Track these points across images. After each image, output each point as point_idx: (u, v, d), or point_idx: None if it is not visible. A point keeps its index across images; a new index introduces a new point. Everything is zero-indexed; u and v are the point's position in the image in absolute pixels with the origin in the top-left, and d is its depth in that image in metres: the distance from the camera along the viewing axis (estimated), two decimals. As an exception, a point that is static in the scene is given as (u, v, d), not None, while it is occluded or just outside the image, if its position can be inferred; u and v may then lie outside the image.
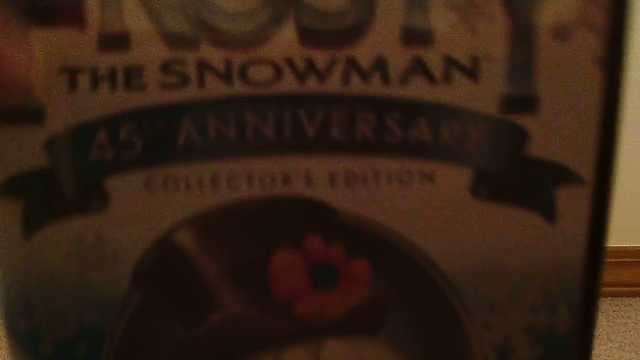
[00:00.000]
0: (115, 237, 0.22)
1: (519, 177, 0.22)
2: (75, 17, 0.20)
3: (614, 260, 1.69)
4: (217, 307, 0.22)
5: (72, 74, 0.20)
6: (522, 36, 0.21)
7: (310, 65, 0.21)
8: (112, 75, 0.21)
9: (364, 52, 0.21)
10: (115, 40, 0.20)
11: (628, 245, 1.66)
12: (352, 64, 0.21)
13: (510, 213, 0.22)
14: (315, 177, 0.22)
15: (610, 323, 1.52)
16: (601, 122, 0.21)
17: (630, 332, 1.45)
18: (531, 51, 0.21)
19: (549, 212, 0.22)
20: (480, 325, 0.23)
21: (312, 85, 0.21)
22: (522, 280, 0.23)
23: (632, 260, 1.70)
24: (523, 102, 0.21)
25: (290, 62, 0.21)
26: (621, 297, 1.62)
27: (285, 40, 0.21)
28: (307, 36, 0.21)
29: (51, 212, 0.21)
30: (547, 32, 0.21)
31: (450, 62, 0.21)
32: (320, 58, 0.21)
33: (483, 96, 0.21)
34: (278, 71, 0.21)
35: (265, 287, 0.22)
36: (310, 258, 0.22)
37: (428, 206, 0.22)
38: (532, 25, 0.21)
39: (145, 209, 0.22)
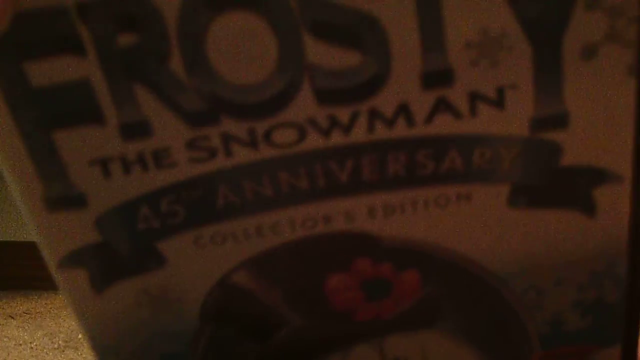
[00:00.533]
0: (177, 287, 0.23)
1: (555, 185, 0.22)
2: (93, 115, 0.20)
3: None
4: (283, 324, 0.24)
5: (102, 164, 0.21)
6: (547, 61, 0.20)
7: (333, 120, 0.20)
8: (141, 159, 0.21)
9: (385, 102, 0.20)
10: (136, 129, 0.20)
11: None
12: (375, 113, 0.20)
13: (549, 215, 0.22)
14: (354, 213, 0.22)
15: None
16: (636, 122, 0.21)
17: None
18: (558, 73, 0.20)
19: (589, 209, 0.22)
20: (530, 306, 0.24)
21: (338, 138, 0.21)
22: (567, 267, 0.23)
23: None
24: (553, 120, 0.21)
25: (313, 121, 0.20)
26: None
27: (304, 103, 0.20)
28: (325, 96, 0.20)
29: (114, 275, 0.23)
30: (573, 52, 0.20)
31: (475, 96, 0.20)
32: (342, 113, 0.20)
33: (511, 121, 0.21)
34: (301, 131, 0.21)
35: (324, 303, 0.24)
36: (360, 276, 0.23)
37: (467, 220, 0.22)
38: (556, 49, 0.20)
39: (199, 261, 0.23)
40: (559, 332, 0.25)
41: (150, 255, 0.23)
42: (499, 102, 0.20)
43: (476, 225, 0.22)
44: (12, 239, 1.71)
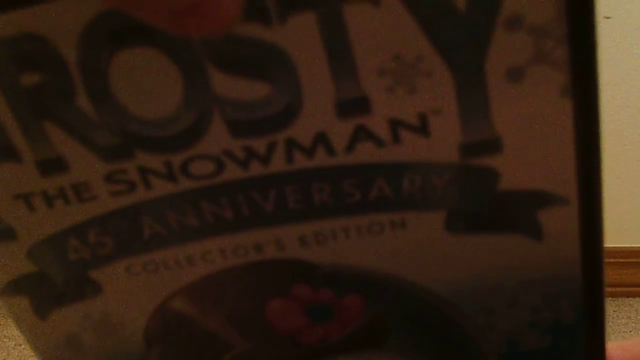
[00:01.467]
0: (118, 312, 0.23)
1: (495, 209, 0.21)
2: (8, 153, 0.20)
3: (614, 260, 1.54)
4: (228, 349, 0.24)
5: (25, 199, 0.21)
6: (470, 85, 0.18)
7: (249, 152, 0.20)
8: (62, 194, 0.20)
9: (301, 132, 0.19)
10: (52, 165, 0.20)
11: (628, 245, 1.55)
12: (292, 143, 0.19)
13: (493, 239, 0.21)
14: (285, 242, 0.21)
15: (610, 323, 1.42)
16: (578, 142, 0.19)
17: (630, 332, 1.36)
18: (483, 97, 0.19)
19: (535, 233, 0.21)
20: (483, 327, 0.23)
21: (257, 169, 0.20)
22: (518, 290, 0.22)
23: (632, 260, 1.55)
24: (484, 145, 0.19)
25: (228, 153, 0.20)
26: (621, 297, 1.55)
27: (217, 135, 0.19)
28: (238, 128, 0.19)
29: (54, 301, 0.23)
30: (498, 75, 0.18)
31: (396, 124, 0.19)
32: (258, 144, 0.19)
33: (439, 147, 0.19)
34: (218, 163, 0.20)
35: (267, 327, 0.23)
36: (300, 301, 0.23)
37: (405, 247, 0.21)
38: (478, 72, 0.18)
39: (135, 289, 0.22)
40: (517, 351, 0.24)
41: (86, 283, 0.23)
42: (422, 128, 0.19)
43: (415, 251, 0.21)
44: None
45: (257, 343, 0.24)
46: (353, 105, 0.19)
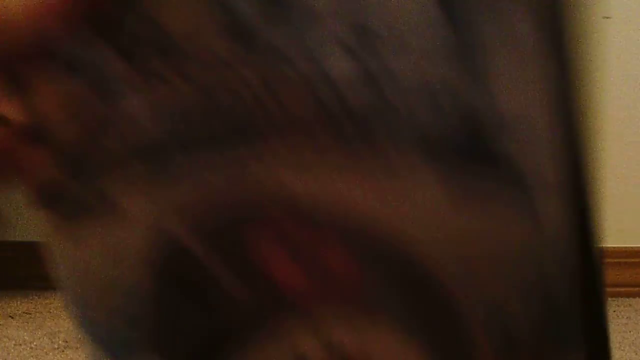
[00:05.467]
0: (127, 236, 0.24)
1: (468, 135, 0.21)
2: None
3: (613, 260, 1.55)
4: (216, 286, 0.24)
5: None
6: None
7: None
8: None
9: None
10: None
11: (628, 245, 1.55)
12: None
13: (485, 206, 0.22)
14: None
15: (610, 323, 1.41)
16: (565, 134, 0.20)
17: (630, 332, 1.35)
18: None
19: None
20: (472, 296, 0.23)
21: None
22: (507, 263, 0.23)
23: (632, 260, 1.55)
24: None
25: None
26: (621, 297, 1.55)
27: None
28: None
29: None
30: None
31: None
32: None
33: None
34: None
35: (254, 267, 0.23)
36: (283, 234, 0.23)
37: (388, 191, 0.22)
38: None
39: (142, 203, 0.23)
40: (504, 322, 0.23)
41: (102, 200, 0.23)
42: None
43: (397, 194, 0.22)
44: (12, 239, 1.72)
45: (241, 280, 0.24)
46: None
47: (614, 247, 1.53)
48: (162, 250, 0.24)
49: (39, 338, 1.47)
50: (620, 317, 1.48)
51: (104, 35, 0.21)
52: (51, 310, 1.60)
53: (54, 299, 1.65)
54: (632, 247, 1.57)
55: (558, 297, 0.23)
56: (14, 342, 1.51)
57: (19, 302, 1.66)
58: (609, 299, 1.52)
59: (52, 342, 1.44)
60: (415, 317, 0.23)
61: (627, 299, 1.54)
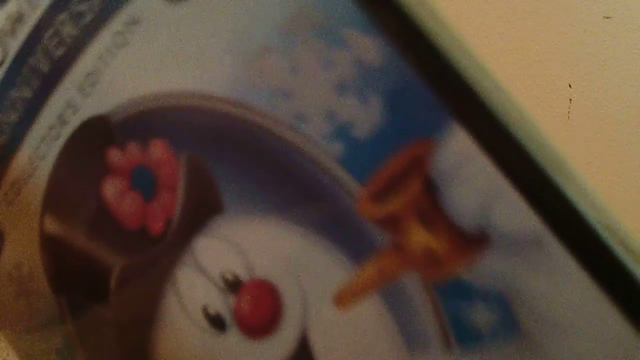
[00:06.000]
0: (23, 256, 0.22)
1: None
2: None
3: None
4: (108, 270, 0.22)
5: None
6: None
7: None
8: None
9: None
10: None
11: None
12: None
13: None
14: (71, 99, 0.22)
15: None
16: None
17: None
18: None
19: None
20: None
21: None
22: None
23: None
24: None
25: None
26: None
27: None
28: None
29: None
30: None
31: None
32: None
33: None
34: None
35: (119, 227, 0.22)
36: (122, 172, 0.22)
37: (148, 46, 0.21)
38: None
39: (18, 220, 0.22)
40: (343, 131, 0.20)
41: None
42: None
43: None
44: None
45: (123, 255, 0.22)
46: None
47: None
48: (51, 254, 0.23)
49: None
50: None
51: None
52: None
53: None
54: (638, 249, 1.55)
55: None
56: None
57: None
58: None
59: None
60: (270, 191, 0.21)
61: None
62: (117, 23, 0.20)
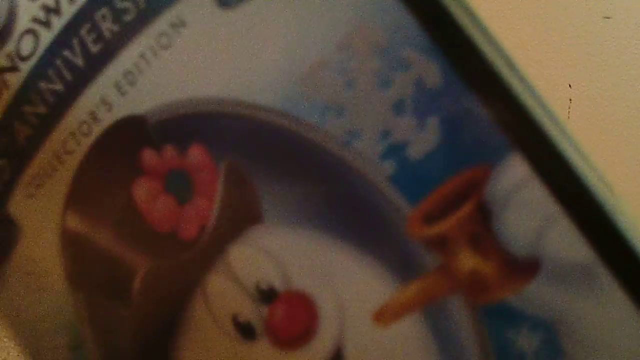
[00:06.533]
0: (39, 253, 0.22)
1: None
2: None
3: None
4: (133, 271, 0.22)
5: None
6: None
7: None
8: None
9: None
10: None
11: None
12: None
13: None
14: (107, 96, 0.21)
15: None
16: None
17: None
18: None
19: None
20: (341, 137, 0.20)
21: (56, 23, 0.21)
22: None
23: None
24: None
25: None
26: None
27: None
28: None
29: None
30: None
31: None
32: None
33: None
34: None
35: (147, 227, 0.22)
36: (156, 174, 0.21)
37: (200, 54, 0.21)
38: None
39: (39, 215, 0.21)
40: (396, 150, 0.19)
41: (8, 224, 0.21)
42: None
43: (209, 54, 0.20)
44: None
45: (150, 257, 0.22)
46: None
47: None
48: (72, 250, 0.23)
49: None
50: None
51: None
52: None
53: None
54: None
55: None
56: (14, 342, 1.50)
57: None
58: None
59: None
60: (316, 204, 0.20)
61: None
62: (162, 23, 0.20)
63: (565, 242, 0.17)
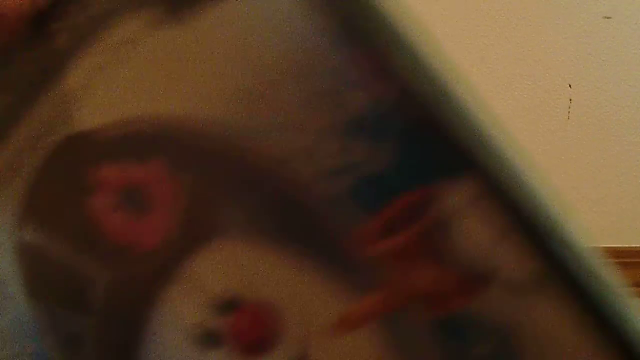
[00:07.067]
0: None
1: None
2: None
3: (614, 261, 1.52)
4: (92, 282, 0.22)
5: None
6: None
7: None
8: None
9: None
10: None
11: (628, 245, 1.53)
12: None
13: None
14: (63, 110, 0.21)
15: None
16: None
17: None
18: None
19: None
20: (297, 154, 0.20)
21: None
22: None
23: (632, 260, 1.54)
24: None
25: None
26: None
27: None
28: None
29: None
30: None
31: None
32: None
33: None
34: None
35: (105, 241, 0.22)
36: (108, 187, 0.21)
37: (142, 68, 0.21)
38: None
39: None
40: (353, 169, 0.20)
41: None
42: None
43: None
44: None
45: (109, 269, 0.22)
46: None
47: (614, 247, 1.52)
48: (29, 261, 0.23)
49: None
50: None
51: None
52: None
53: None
54: (632, 247, 1.56)
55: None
56: None
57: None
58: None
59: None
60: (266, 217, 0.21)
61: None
62: (115, 39, 0.20)
63: (516, 256, 0.18)
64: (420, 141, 0.18)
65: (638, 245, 1.59)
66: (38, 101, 0.20)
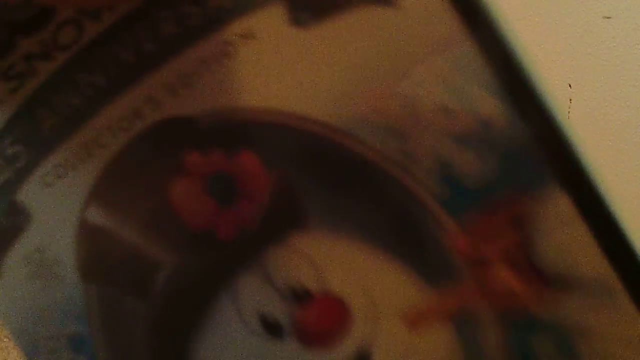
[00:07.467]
0: (48, 243, 0.22)
1: None
2: None
3: None
4: (157, 267, 0.22)
5: None
6: None
7: None
8: None
9: None
10: None
11: None
12: None
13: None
14: (155, 95, 0.21)
15: None
16: None
17: None
18: None
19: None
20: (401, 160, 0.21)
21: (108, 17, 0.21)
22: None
23: None
24: None
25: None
26: None
27: None
28: None
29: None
30: None
31: None
32: None
33: None
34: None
35: (180, 226, 0.22)
36: (198, 175, 0.22)
37: (262, 65, 0.21)
38: None
39: (55, 204, 0.21)
40: (453, 179, 0.21)
41: (15, 212, 0.21)
42: None
43: (274, 67, 0.21)
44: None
45: (176, 252, 0.22)
46: None
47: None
48: (90, 243, 0.23)
49: (39, 337, 1.47)
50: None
51: None
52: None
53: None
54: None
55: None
56: (13, 342, 1.49)
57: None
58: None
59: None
60: (358, 215, 0.21)
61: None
62: (229, 33, 0.20)
63: (586, 260, 0.19)
64: (521, 155, 0.18)
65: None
66: (130, 87, 0.21)
